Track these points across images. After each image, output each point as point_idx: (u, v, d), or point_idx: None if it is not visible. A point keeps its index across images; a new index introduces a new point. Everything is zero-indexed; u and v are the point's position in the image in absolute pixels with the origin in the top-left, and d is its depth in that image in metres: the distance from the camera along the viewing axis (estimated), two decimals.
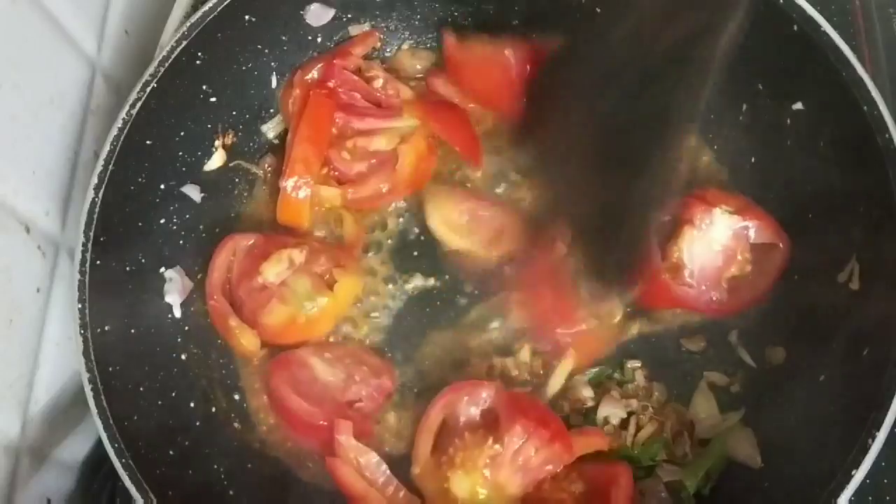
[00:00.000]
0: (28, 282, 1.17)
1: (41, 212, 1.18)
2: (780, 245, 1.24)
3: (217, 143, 1.35)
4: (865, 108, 1.09)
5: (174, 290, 1.28)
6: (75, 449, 1.31)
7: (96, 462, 1.31)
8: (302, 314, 1.27)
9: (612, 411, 1.24)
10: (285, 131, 1.40)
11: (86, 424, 1.31)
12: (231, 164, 1.38)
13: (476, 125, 1.40)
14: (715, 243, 1.25)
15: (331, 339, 1.33)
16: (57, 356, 1.24)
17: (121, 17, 1.36)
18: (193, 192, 1.32)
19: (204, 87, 1.28)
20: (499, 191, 1.39)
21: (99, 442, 1.26)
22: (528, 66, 1.35)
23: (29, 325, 1.18)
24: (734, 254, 1.25)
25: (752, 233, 1.25)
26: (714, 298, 1.26)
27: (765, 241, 1.25)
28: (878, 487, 1.14)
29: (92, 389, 1.10)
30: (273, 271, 1.27)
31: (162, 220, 1.27)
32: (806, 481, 1.03)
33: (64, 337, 1.24)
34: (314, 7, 1.36)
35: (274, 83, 1.39)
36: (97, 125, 1.29)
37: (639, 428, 1.23)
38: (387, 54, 1.47)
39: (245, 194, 1.41)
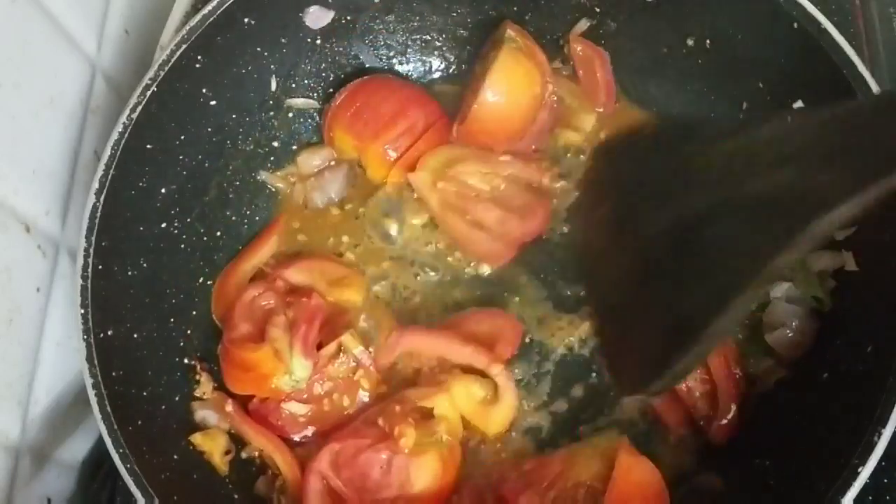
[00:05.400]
0: (28, 282, 1.17)
1: (41, 212, 1.19)
2: None
3: None
4: None
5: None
6: (75, 449, 1.31)
7: (96, 462, 1.31)
8: None
9: None
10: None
11: (86, 424, 1.31)
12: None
13: None
14: None
15: None
16: (57, 356, 1.23)
17: (121, 17, 1.36)
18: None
19: (204, 90, 1.28)
20: None
21: (99, 442, 1.27)
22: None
23: (29, 324, 1.18)
24: None
25: None
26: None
27: None
28: (878, 487, 1.13)
29: (96, 395, 1.09)
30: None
31: (163, 225, 1.27)
32: (812, 479, 1.02)
33: (64, 337, 1.25)
34: (313, 9, 1.35)
35: (273, 86, 1.38)
36: (97, 125, 1.29)
37: None
38: (392, 61, 1.47)
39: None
